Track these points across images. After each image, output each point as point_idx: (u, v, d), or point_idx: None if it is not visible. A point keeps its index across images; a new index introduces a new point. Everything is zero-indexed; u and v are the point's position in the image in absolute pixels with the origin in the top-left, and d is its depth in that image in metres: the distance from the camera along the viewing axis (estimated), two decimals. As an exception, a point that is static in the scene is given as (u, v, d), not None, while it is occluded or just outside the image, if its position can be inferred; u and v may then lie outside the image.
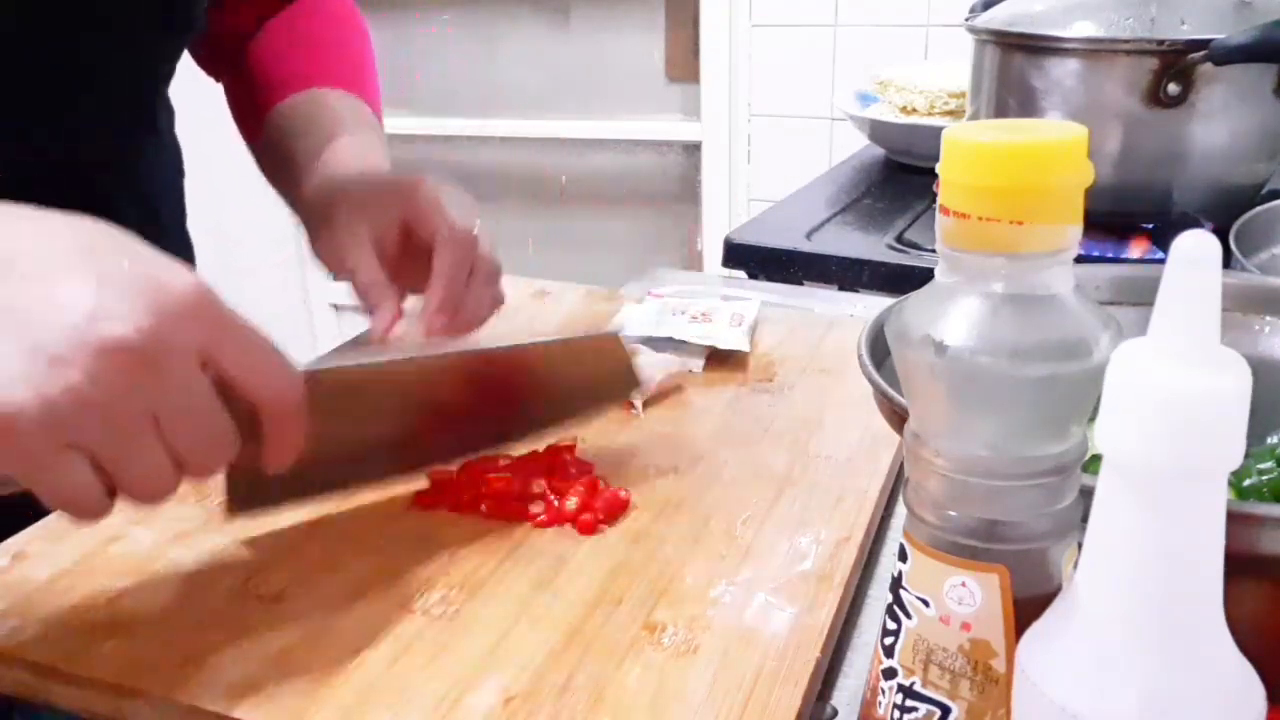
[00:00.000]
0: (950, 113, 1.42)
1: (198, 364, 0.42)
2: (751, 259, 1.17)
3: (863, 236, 1.20)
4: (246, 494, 0.54)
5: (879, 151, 1.52)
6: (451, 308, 0.63)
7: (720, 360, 0.76)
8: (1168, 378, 0.25)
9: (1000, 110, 1.09)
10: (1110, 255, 1.04)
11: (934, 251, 0.31)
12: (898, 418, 0.43)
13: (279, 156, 0.77)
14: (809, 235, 1.19)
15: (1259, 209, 0.83)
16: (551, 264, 2.60)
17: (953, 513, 0.32)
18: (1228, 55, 0.94)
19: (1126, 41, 0.99)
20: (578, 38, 2.47)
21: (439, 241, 0.63)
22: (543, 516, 0.57)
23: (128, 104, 0.72)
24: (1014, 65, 1.06)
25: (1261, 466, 0.44)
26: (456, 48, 2.55)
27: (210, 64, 0.84)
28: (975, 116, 1.15)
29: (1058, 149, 0.29)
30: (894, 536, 0.60)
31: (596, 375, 0.64)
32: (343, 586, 0.52)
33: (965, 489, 0.31)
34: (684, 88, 2.40)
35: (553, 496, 0.57)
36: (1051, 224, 0.29)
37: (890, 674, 0.35)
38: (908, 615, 0.34)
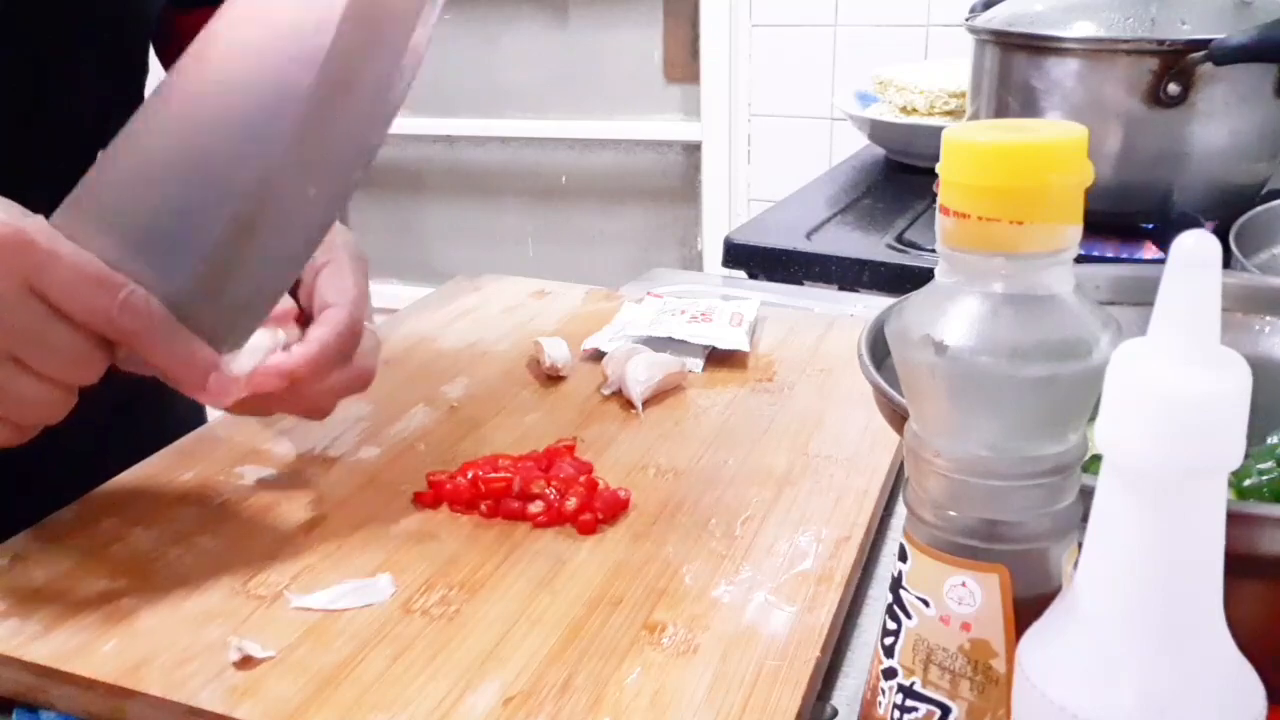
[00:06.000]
0: (950, 113, 1.42)
1: (29, 298, 0.44)
2: (751, 259, 1.17)
3: (863, 236, 1.20)
4: None
5: (879, 151, 1.52)
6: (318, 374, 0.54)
7: (720, 360, 0.76)
8: (1168, 378, 0.25)
9: (1000, 110, 1.09)
10: (1110, 255, 1.04)
11: (934, 251, 0.31)
12: (898, 418, 0.43)
13: None
14: (809, 235, 1.19)
15: (1259, 209, 0.83)
16: (551, 263, 2.61)
17: (953, 513, 0.32)
18: (1228, 55, 0.94)
19: (1126, 41, 0.99)
20: (577, 37, 2.47)
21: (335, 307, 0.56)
22: (543, 516, 0.57)
23: (124, 56, 0.71)
24: (1014, 65, 1.06)
25: (1261, 466, 0.44)
26: (456, 47, 2.55)
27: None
28: (975, 116, 1.15)
29: (1058, 149, 0.29)
30: (894, 536, 0.60)
31: None
32: (343, 586, 0.52)
33: (965, 489, 0.31)
34: (683, 88, 2.40)
35: (553, 496, 0.57)
36: (1051, 224, 0.29)
37: (890, 674, 0.35)
38: (908, 615, 0.34)
